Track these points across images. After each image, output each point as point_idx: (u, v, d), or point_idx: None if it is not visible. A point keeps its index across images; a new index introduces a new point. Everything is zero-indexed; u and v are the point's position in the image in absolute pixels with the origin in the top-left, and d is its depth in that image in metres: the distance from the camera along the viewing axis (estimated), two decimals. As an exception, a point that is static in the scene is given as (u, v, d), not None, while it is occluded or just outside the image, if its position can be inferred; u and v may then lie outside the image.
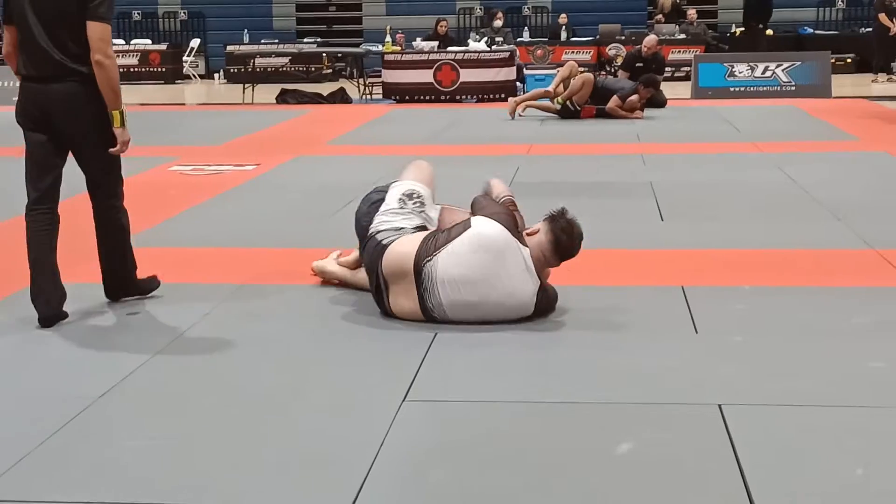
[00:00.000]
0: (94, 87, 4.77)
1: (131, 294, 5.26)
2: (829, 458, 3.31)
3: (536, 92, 14.39)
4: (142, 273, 5.27)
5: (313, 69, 20.83)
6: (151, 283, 5.33)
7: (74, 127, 4.86)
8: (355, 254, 5.40)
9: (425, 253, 4.69)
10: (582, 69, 14.09)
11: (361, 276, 5.23)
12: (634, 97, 13.64)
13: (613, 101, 13.55)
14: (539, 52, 21.40)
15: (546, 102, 13.93)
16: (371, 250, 4.87)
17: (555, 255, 4.76)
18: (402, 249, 4.75)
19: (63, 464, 3.37)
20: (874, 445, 3.42)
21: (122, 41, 24.21)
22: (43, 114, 4.84)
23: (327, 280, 5.50)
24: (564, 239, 4.72)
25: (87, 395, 3.93)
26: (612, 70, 18.22)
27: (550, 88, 13.83)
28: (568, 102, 13.58)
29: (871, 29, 22.55)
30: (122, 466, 3.34)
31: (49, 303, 4.87)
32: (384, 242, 4.81)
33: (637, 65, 15.26)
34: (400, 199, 5.03)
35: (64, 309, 4.92)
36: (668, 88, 15.74)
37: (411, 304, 4.74)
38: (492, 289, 4.64)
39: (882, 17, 19.99)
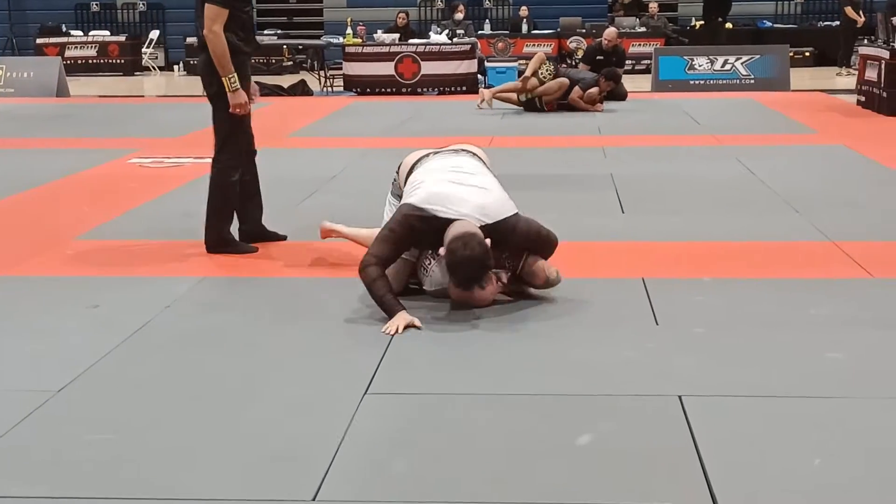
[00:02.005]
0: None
1: (214, 250, 6.04)
2: (788, 449, 3.34)
3: (512, 85, 14.18)
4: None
5: (274, 61, 20.77)
6: (247, 248, 6.10)
7: (205, 88, 6.05)
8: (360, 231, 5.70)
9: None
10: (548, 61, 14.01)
11: (364, 232, 5.64)
12: (595, 89, 13.68)
13: (575, 93, 13.57)
14: (500, 44, 21.42)
15: (512, 95, 13.90)
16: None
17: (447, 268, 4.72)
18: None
19: (22, 458, 3.34)
20: (832, 435, 3.45)
21: (80, 32, 24.04)
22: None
23: (329, 233, 5.84)
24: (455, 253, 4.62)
25: (46, 389, 3.90)
26: (574, 63, 18.25)
27: (528, 73, 13.57)
28: (536, 100, 13.56)
29: (829, 23, 22.74)
30: (81, 461, 3.32)
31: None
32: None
33: (598, 58, 15.31)
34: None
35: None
36: (628, 81, 15.79)
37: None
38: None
39: (848, 10, 20.11)
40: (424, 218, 4.76)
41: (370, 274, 4.73)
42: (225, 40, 5.74)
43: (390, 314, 4.65)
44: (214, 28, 5.71)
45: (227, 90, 5.85)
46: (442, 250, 4.67)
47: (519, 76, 16.72)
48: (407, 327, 4.57)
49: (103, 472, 3.24)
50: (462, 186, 4.89)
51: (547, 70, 13.58)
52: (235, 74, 5.80)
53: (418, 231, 4.78)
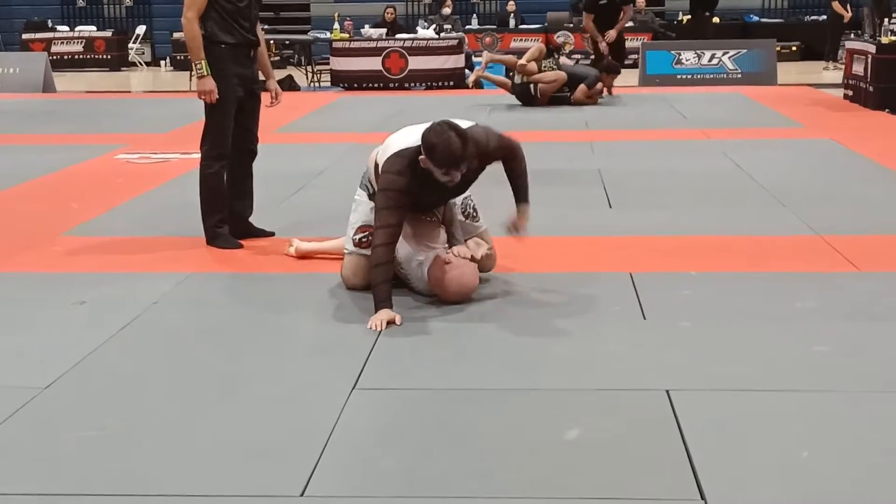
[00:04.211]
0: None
1: (209, 243, 6.11)
2: (776, 442, 3.35)
3: (509, 58, 14.12)
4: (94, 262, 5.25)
5: (261, 56, 20.63)
6: (231, 241, 6.12)
7: None
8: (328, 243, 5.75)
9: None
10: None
11: (332, 243, 5.69)
12: (599, 85, 13.72)
13: (581, 92, 13.56)
14: (488, 39, 21.41)
15: (503, 78, 13.83)
16: None
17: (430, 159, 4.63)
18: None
19: (8, 456, 3.33)
20: (819, 428, 3.46)
21: (66, 28, 23.97)
22: None
23: (306, 256, 5.78)
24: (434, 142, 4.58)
25: (32, 386, 3.89)
26: (557, 57, 18.19)
27: (523, 60, 13.42)
28: (531, 85, 13.50)
29: (816, 17, 22.79)
30: (69, 458, 3.31)
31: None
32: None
33: (601, 2, 14.89)
34: None
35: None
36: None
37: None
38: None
39: (835, 5, 20.15)
40: (402, 157, 4.71)
41: (378, 256, 4.67)
42: (196, 27, 5.88)
43: (375, 306, 4.64)
44: (188, 14, 5.88)
45: (195, 74, 5.99)
46: (421, 158, 4.62)
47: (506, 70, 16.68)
48: (389, 324, 4.58)
49: (91, 468, 3.23)
50: (424, 124, 4.84)
51: (549, 67, 13.54)
52: (203, 61, 5.89)
53: (409, 179, 4.68)
